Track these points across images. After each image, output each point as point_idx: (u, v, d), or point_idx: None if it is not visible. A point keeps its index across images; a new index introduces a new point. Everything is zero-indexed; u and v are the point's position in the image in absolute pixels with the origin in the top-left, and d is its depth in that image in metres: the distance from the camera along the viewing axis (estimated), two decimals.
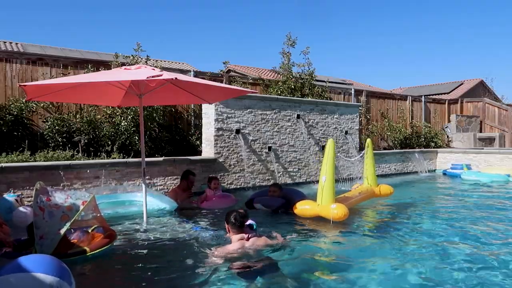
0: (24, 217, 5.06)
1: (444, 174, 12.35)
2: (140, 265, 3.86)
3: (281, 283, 3.46)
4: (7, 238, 3.99)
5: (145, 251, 4.26)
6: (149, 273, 3.66)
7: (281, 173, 9.36)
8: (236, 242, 4.07)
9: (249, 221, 4.31)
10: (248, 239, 4.10)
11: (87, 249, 3.83)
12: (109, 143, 8.14)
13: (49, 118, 7.89)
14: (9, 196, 5.57)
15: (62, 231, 3.72)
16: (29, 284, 2.46)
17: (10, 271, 2.51)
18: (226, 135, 8.42)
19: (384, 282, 3.50)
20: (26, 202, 6.06)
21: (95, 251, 3.88)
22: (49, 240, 3.66)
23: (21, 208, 5.25)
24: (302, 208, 5.83)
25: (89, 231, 4.21)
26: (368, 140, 7.46)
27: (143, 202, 5.50)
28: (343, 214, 5.41)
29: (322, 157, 9.90)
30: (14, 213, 5.18)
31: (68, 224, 3.78)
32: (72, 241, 3.94)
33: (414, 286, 3.42)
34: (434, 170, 13.39)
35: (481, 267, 3.85)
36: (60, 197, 3.95)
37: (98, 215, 4.34)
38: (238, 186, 8.57)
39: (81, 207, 3.93)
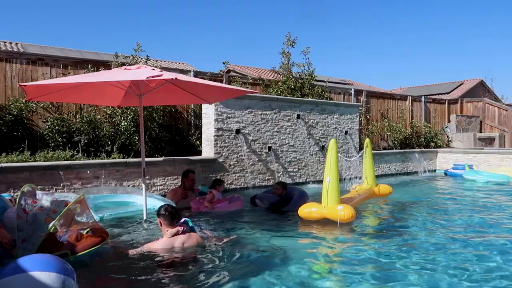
0: (15, 218, 4.92)
1: (445, 174, 12.33)
2: (140, 265, 3.86)
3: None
4: (6, 239, 3.93)
5: (162, 254, 4.22)
6: (148, 274, 3.66)
7: (281, 173, 9.36)
8: (166, 239, 4.08)
9: (184, 218, 4.42)
10: (183, 232, 4.13)
11: (68, 252, 3.72)
12: (109, 143, 8.14)
13: (49, 118, 7.89)
14: (3, 196, 5.38)
15: (44, 233, 3.62)
16: (39, 282, 2.42)
17: (16, 271, 2.45)
18: (226, 135, 8.42)
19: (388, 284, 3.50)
20: None
21: (80, 253, 3.77)
22: (30, 244, 3.57)
23: (14, 208, 5.06)
24: (308, 211, 5.64)
25: (83, 233, 4.09)
26: (367, 140, 7.47)
27: (143, 202, 5.50)
28: (350, 215, 5.33)
29: (322, 157, 10.02)
30: (5, 213, 4.95)
31: (50, 227, 3.67)
32: (56, 243, 3.81)
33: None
34: (434, 170, 13.38)
35: (482, 269, 3.86)
36: (46, 200, 3.86)
37: (90, 215, 4.26)
38: (238, 186, 8.57)
39: (63, 209, 3.82)
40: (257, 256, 4.18)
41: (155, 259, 3.91)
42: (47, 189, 6.14)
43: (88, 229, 4.15)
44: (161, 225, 4.22)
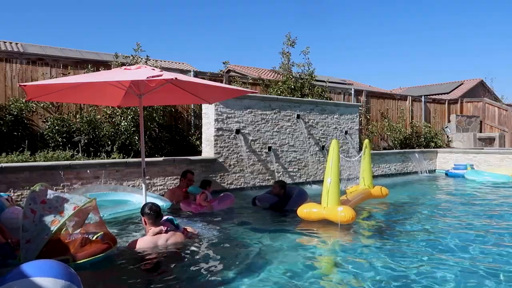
0: (15, 218, 4.79)
1: (446, 174, 12.30)
2: (123, 263, 3.85)
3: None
4: (14, 239, 3.90)
5: (145, 252, 4.23)
6: (132, 273, 3.66)
7: (281, 173, 9.36)
8: (150, 237, 4.10)
9: (168, 216, 4.47)
10: (166, 231, 4.17)
11: (70, 258, 3.60)
12: (109, 143, 8.14)
13: (49, 118, 7.89)
14: (0, 195, 5.35)
15: (48, 236, 3.55)
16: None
17: (19, 277, 2.39)
18: (226, 135, 8.42)
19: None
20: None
21: (82, 261, 3.65)
22: (35, 245, 3.50)
23: (12, 208, 5.03)
24: (308, 211, 5.59)
25: (94, 238, 3.98)
26: (366, 140, 7.46)
27: (143, 202, 5.50)
28: (350, 216, 5.30)
29: (322, 157, 10.02)
30: (3, 213, 4.90)
31: (54, 229, 3.59)
32: (59, 247, 3.70)
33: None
34: (434, 170, 13.38)
35: (482, 270, 3.86)
36: (57, 201, 3.79)
37: (99, 219, 4.19)
38: (238, 186, 8.57)
39: (71, 212, 3.74)
40: (253, 255, 4.17)
41: (138, 257, 3.92)
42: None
43: (99, 234, 4.03)
44: (145, 223, 4.24)
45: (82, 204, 3.86)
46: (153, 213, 4.14)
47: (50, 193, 3.85)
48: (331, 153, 5.66)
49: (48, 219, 3.64)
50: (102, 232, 4.06)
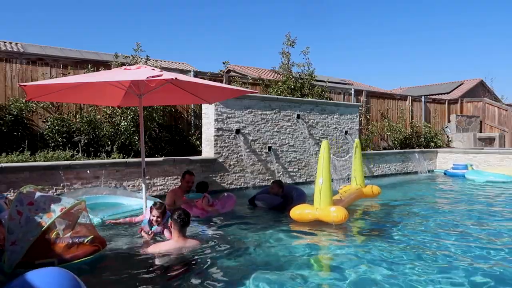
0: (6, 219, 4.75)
1: (445, 174, 12.32)
2: (142, 268, 3.84)
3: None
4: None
5: (146, 254, 4.20)
6: (149, 276, 3.66)
7: (281, 173, 9.36)
8: (174, 242, 4.11)
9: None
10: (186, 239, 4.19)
11: (55, 260, 3.54)
12: (109, 143, 8.13)
13: (49, 118, 7.89)
14: None
15: (33, 238, 3.49)
16: None
17: (23, 286, 2.33)
18: (226, 135, 8.42)
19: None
20: None
21: (68, 263, 3.57)
22: (19, 247, 3.44)
23: (7, 212, 4.99)
24: (300, 212, 5.55)
25: (85, 241, 3.88)
26: (357, 140, 7.54)
27: (143, 203, 5.50)
28: (343, 216, 5.31)
29: None
30: (1, 215, 4.76)
31: (40, 231, 3.53)
32: (44, 249, 3.62)
33: None
34: (433, 170, 13.37)
35: (480, 270, 3.85)
36: (44, 202, 3.72)
37: (89, 222, 4.12)
38: (238, 186, 8.57)
39: (58, 214, 3.67)
40: (252, 257, 4.19)
41: (163, 260, 3.93)
42: (47, 189, 6.13)
43: (89, 238, 3.91)
44: (170, 226, 4.25)
45: (69, 205, 3.79)
46: (180, 221, 4.10)
47: (38, 195, 3.78)
48: (321, 153, 5.67)
49: (35, 221, 3.58)
50: (92, 236, 3.94)
